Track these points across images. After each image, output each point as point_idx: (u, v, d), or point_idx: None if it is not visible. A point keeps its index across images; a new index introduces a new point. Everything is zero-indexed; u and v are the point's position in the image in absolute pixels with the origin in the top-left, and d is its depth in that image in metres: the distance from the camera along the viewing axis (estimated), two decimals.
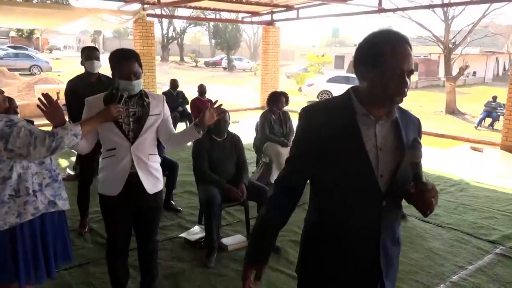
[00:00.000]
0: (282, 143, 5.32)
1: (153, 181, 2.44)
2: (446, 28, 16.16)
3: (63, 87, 12.62)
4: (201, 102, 7.11)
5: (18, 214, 1.98)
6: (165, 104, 2.49)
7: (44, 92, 2.15)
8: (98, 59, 3.79)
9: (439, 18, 16.19)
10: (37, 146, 1.93)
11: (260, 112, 12.32)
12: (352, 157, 1.31)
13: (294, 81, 20.62)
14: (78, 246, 3.52)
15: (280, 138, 5.38)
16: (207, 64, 38.00)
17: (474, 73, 28.69)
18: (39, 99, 2.08)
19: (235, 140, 3.76)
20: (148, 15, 10.14)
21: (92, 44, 50.28)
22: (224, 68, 35.03)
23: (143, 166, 2.38)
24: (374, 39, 1.29)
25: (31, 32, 34.34)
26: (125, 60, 2.27)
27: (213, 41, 42.35)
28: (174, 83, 8.02)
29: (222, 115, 2.50)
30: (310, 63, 19.67)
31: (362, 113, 1.33)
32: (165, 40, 39.97)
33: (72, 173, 5.57)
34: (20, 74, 19.16)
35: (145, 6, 9.97)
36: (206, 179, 3.53)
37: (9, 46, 29.26)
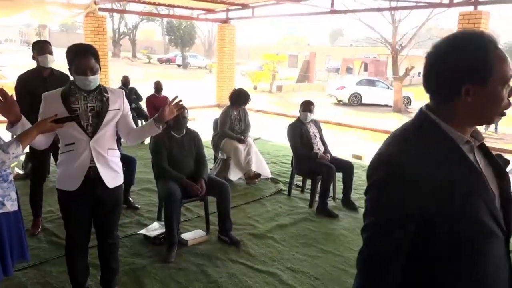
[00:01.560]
0: (240, 139, 5.41)
1: (112, 175, 2.45)
2: (393, 31, 16.99)
3: (5, 82, 12.02)
4: (157, 99, 7.04)
5: None
6: (125, 99, 2.51)
7: None
8: (51, 53, 3.69)
9: (387, 20, 16.99)
10: None
11: (216, 109, 12.50)
12: (479, 200, 1.01)
13: (249, 79, 20.78)
14: (32, 246, 3.40)
15: (237, 135, 5.47)
16: (160, 61, 37.29)
17: (419, 73, 30.26)
18: None
19: (194, 136, 3.80)
20: (100, 9, 9.85)
21: (37, 38, 47.70)
22: (179, 65, 34.57)
23: (102, 161, 2.39)
24: (469, 47, 1.01)
25: None
26: (81, 56, 2.27)
27: (166, 37, 41.61)
28: (125, 80, 7.89)
29: (181, 111, 2.54)
30: (266, 62, 19.94)
31: (463, 141, 1.06)
32: (117, 36, 38.76)
33: (21, 172, 5.35)
34: None
35: (97, 0, 9.69)
36: (166, 175, 3.55)
37: None
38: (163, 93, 7.28)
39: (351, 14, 15.51)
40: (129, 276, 3.05)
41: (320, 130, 4.88)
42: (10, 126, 2.13)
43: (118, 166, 2.50)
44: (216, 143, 5.57)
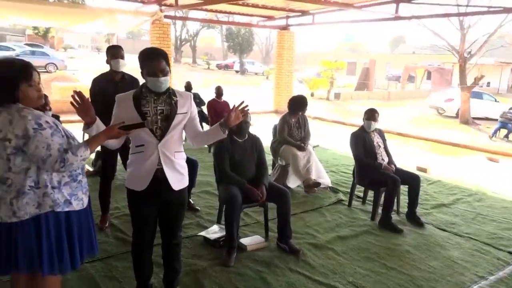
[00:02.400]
0: (299, 146, 5.35)
1: (178, 177, 2.49)
2: (461, 38, 16.04)
3: (79, 85, 12.87)
4: (218, 104, 7.17)
5: (38, 205, 2.02)
6: (193, 103, 2.55)
7: (77, 90, 2.19)
8: (123, 57, 3.86)
9: (454, 27, 16.10)
10: (46, 163, 1.98)
11: (273, 115, 12.52)
12: None
13: (306, 86, 20.63)
14: (99, 240, 3.51)
15: (297, 142, 5.41)
16: (219, 66, 38.19)
17: (488, 83, 28.42)
18: (72, 96, 2.14)
19: (255, 141, 3.80)
20: (165, 16, 10.25)
21: (107, 44, 50.73)
22: (236, 71, 35.20)
23: (169, 163, 2.44)
24: None
25: (47, 30, 34.79)
26: (153, 58, 2.34)
27: (225, 44, 42.56)
28: (188, 85, 8.09)
29: (247, 116, 2.54)
30: (323, 69, 19.71)
31: None
32: (178, 42, 40.28)
33: (91, 169, 5.65)
34: None
35: (162, 7, 10.10)
36: (227, 179, 3.57)
37: (25, 44, 29.67)
38: (223, 98, 7.39)
39: (415, 20, 14.84)
40: (190, 277, 3.09)
41: (384, 140, 4.69)
42: (86, 127, 2.23)
43: (184, 168, 2.54)
44: (274, 149, 5.55)
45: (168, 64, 2.40)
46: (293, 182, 5.32)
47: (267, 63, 46.32)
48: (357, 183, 4.71)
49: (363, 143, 4.48)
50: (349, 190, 5.29)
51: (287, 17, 12.22)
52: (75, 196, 2.16)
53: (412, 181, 4.37)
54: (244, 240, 3.64)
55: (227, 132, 2.49)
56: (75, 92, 2.15)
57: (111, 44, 4.03)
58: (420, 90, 25.92)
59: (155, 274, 2.90)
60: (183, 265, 3.00)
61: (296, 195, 5.14)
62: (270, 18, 12.62)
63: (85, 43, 53.94)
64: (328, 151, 7.89)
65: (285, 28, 12.45)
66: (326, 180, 5.45)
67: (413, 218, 4.36)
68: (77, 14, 9.87)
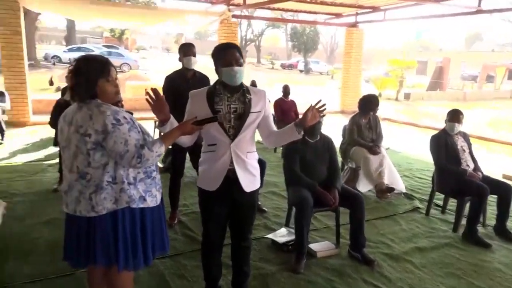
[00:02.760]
0: (371, 148, 5.06)
1: (250, 179, 2.40)
2: None
3: (150, 83, 13.42)
4: (285, 103, 7.04)
5: (115, 201, 2.02)
6: (267, 101, 2.44)
7: (153, 87, 2.17)
8: (195, 55, 3.86)
9: None
10: (123, 159, 1.97)
11: (339, 116, 12.14)
12: None
13: (373, 86, 19.83)
14: (169, 237, 3.58)
15: (369, 143, 5.12)
16: (283, 66, 38.11)
17: None
18: (147, 93, 2.13)
19: (328, 142, 3.61)
20: (233, 16, 10.32)
21: (176, 45, 52.66)
22: (301, 71, 34.90)
23: (241, 163, 2.35)
24: None
25: (122, 32, 36.91)
26: (226, 49, 2.29)
27: (289, 43, 42.40)
28: (253, 84, 7.98)
29: (324, 116, 2.37)
30: (392, 68, 18.82)
31: None
32: (243, 42, 40.82)
33: (161, 165, 5.78)
34: None
35: (230, 7, 10.17)
36: (298, 181, 3.42)
37: (103, 45, 31.70)
38: (290, 97, 7.24)
39: (497, 14, 13.67)
40: (258, 281, 2.98)
41: (469, 144, 4.25)
42: (160, 125, 2.21)
43: (256, 170, 2.45)
44: (344, 151, 5.30)
45: (242, 56, 2.32)
46: (364, 186, 5.04)
47: (332, 62, 45.48)
48: (438, 190, 4.33)
49: (445, 146, 4.10)
50: (425, 197, 4.94)
51: (356, 13, 11.77)
52: (149, 192, 2.15)
53: (503, 191, 3.91)
54: (314, 246, 3.47)
55: (302, 132, 2.35)
56: (150, 89, 2.13)
57: (183, 43, 4.04)
58: (500, 91, 23.88)
59: (223, 276, 2.83)
60: (251, 268, 2.91)
61: (367, 200, 4.80)
62: (337, 15, 12.25)
63: (156, 44, 56.55)
64: (399, 154, 7.44)
65: (353, 25, 12.02)
66: (400, 185, 5.10)
67: (503, 232, 3.91)
68: (150, 16, 10.28)
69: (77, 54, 24.41)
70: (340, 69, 34.70)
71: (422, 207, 4.66)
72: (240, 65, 2.26)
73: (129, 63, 24.66)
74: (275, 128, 2.47)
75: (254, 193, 2.45)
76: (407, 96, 19.30)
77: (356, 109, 5.40)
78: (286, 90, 7.10)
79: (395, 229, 4.08)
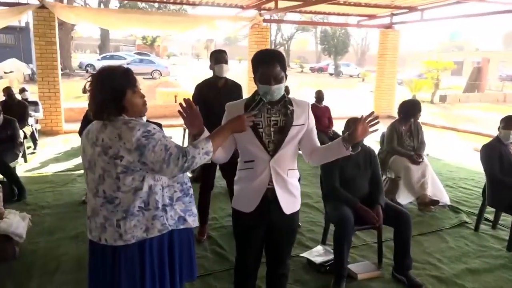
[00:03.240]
0: (412, 157, 4.71)
1: (290, 200, 2.16)
2: None
3: (180, 90, 13.46)
4: (318, 109, 6.75)
5: (146, 229, 1.83)
6: (310, 113, 2.19)
7: (185, 98, 1.97)
8: (227, 62, 3.67)
9: None
10: (170, 164, 1.76)
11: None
12: None
13: (407, 88, 19.15)
14: (197, 255, 3.36)
15: (410, 152, 4.77)
16: (313, 69, 37.64)
17: None
18: (180, 104, 1.93)
19: (370, 154, 3.31)
20: (264, 20, 10.13)
21: (205, 51, 53.23)
22: (330, 74, 34.36)
23: (281, 182, 2.11)
24: None
25: (154, 40, 37.65)
26: (267, 62, 2.03)
27: (319, 46, 41.93)
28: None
29: (376, 130, 2.09)
30: (428, 69, 18.08)
31: None
32: (273, 46, 40.66)
33: (189, 175, 5.63)
34: (143, 78, 20.99)
35: (262, 11, 9.99)
36: (338, 196, 3.15)
37: (135, 53, 32.39)
38: (324, 103, 6.95)
39: None
40: None
41: None
42: (193, 139, 1.99)
43: (297, 189, 2.20)
44: (383, 160, 4.95)
45: (284, 69, 2.06)
46: (404, 198, 4.68)
47: (362, 65, 44.63)
48: (489, 204, 3.94)
49: (498, 157, 3.72)
50: (472, 211, 4.56)
51: (392, 14, 11.33)
52: (189, 212, 1.96)
53: None
54: (353, 267, 3.18)
55: (350, 149, 2.05)
56: (183, 100, 1.93)
57: (214, 49, 3.85)
58: None
59: None
60: None
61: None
62: (371, 16, 11.84)
63: (186, 51, 57.36)
64: (440, 162, 6.98)
65: (389, 26, 11.56)
66: (444, 197, 4.71)
67: None
68: (181, 22, 10.25)
69: (110, 62, 25.01)
70: (371, 71, 34.11)
71: (470, 222, 4.27)
72: (279, 81, 2.02)
73: (160, 70, 25.00)
74: (318, 144, 2.22)
75: (295, 215, 2.21)
76: (442, 99, 18.54)
77: (391, 114, 5.09)
78: (319, 95, 6.82)
79: (442, 247, 3.72)
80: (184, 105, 1.91)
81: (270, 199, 2.10)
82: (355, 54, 49.26)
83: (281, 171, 2.10)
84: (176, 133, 7.97)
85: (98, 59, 26.40)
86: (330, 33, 33.41)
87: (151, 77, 24.04)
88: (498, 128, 3.85)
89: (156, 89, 14.18)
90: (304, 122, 2.12)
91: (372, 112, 2.07)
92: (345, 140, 2.03)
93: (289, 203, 2.14)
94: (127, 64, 24.50)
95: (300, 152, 2.22)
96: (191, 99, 2.11)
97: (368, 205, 3.11)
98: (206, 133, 1.96)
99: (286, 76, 2.07)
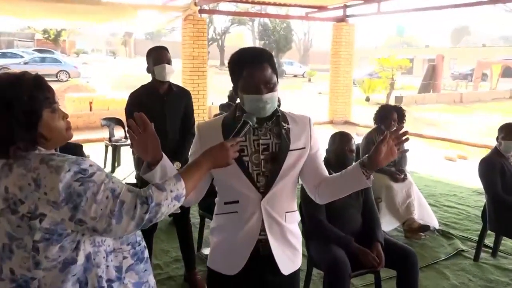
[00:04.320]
0: (393, 174, 4.56)
1: (290, 255, 1.83)
2: None
3: (95, 96, 12.60)
4: None
5: None
6: (313, 131, 1.86)
7: (138, 113, 1.59)
8: (170, 62, 3.24)
9: None
10: (122, 218, 1.35)
11: (329, 127, 11.74)
12: None
13: (359, 89, 19.74)
14: None
15: (390, 168, 4.62)
16: None
17: None
18: (129, 121, 1.59)
19: None
20: (200, 11, 9.76)
21: (123, 47, 51.74)
22: None
23: (277, 231, 1.79)
24: None
25: (58, 34, 35.62)
26: (251, 64, 1.68)
27: (258, 42, 42.28)
28: (233, 95, 7.38)
29: (405, 151, 1.80)
30: (382, 68, 18.75)
31: None
32: None
33: None
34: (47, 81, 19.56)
35: (196, 0, 9.61)
36: (326, 234, 2.84)
37: (34, 50, 30.35)
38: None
39: (501, 5, 13.90)
40: None
41: None
42: (147, 170, 1.61)
43: (298, 239, 1.88)
44: None
45: (276, 73, 1.73)
46: (387, 224, 4.49)
47: (306, 63, 45.72)
48: (491, 228, 3.85)
49: (500, 173, 3.64)
50: (464, 234, 4.55)
51: (345, 6, 11.55)
52: (145, 285, 1.56)
53: None
54: None
55: (371, 178, 1.74)
56: (136, 115, 1.57)
57: (153, 46, 3.38)
58: (497, 91, 24.43)
59: None
60: None
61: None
62: (321, 8, 11.96)
63: (99, 47, 55.18)
64: (414, 175, 6.96)
65: (342, 19, 11.75)
66: (433, 220, 4.61)
67: None
68: (94, 12, 9.55)
69: (1, 61, 23.07)
70: (317, 70, 34.98)
71: (466, 249, 4.19)
72: (272, 89, 1.68)
73: (68, 70, 23.72)
74: (326, 173, 1.89)
75: (295, 276, 1.89)
76: (398, 100, 19.27)
77: (348, 119, 4.94)
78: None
79: (443, 285, 3.55)
80: (136, 122, 1.56)
81: (262, 255, 1.76)
82: (298, 51, 50.41)
83: (276, 215, 1.77)
84: (95, 151, 7.29)
85: None
86: (270, 27, 33.79)
87: (56, 79, 22.59)
88: (497, 139, 3.78)
89: (65, 94, 13.16)
90: (305, 145, 1.80)
91: (401, 126, 1.79)
92: (364, 166, 1.70)
93: (288, 259, 1.82)
94: (25, 63, 22.89)
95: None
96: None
97: (363, 243, 2.84)
98: (165, 160, 1.61)
99: (278, 81, 1.73)
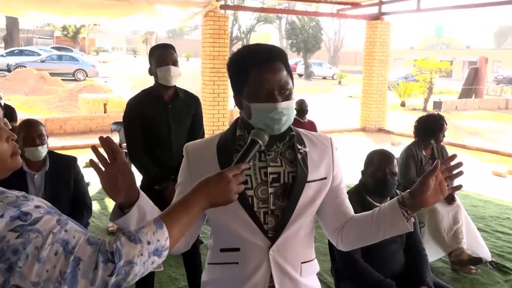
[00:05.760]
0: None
1: None
2: None
3: (112, 96, 12.47)
4: (300, 125, 6.07)
5: None
6: (336, 157, 1.52)
7: (102, 136, 1.25)
8: (175, 63, 2.90)
9: None
10: (77, 283, 1.01)
11: (361, 134, 11.28)
12: None
13: (394, 93, 19.15)
14: None
15: None
16: None
17: None
18: (93, 148, 1.23)
19: None
20: (221, 7, 9.51)
21: (144, 45, 52.31)
22: (300, 75, 34.31)
23: (290, 287, 1.45)
24: None
25: (77, 31, 36.18)
26: (260, 64, 1.35)
27: (285, 41, 42.00)
28: (301, 107, 6.44)
29: (460, 188, 1.42)
30: (419, 70, 18.11)
31: None
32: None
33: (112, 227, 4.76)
34: (63, 80, 19.75)
35: None
36: (361, 276, 2.47)
37: (52, 47, 30.80)
38: (307, 116, 6.30)
39: None
40: None
41: None
42: (118, 213, 1.27)
43: None
44: None
45: (291, 74, 1.41)
46: (431, 254, 4.02)
47: (336, 64, 45.19)
48: None
49: None
50: None
51: (381, 2, 11.17)
52: None
53: None
54: None
55: (413, 219, 1.41)
56: (101, 140, 1.22)
57: (155, 44, 3.07)
58: None
59: None
60: None
61: (439, 276, 3.87)
62: (354, 4, 11.57)
63: (119, 45, 55.90)
64: (459, 194, 6.49)
65: (377, 17, 11.34)
66: (484, 251, 4.15)
67: None
68: (112, 7, 9.42)
69: (18, 59, 23.44)
70: (348, 72, 34.45)
71: None
72: (289, 96, 1.37)
73: (85, 69, 24.00)
74: (352, 211, 1.55)
75: None
76: (437, 106, 18.64)
77: (383, 127, 4.54)
78: (301, 106, 6.15)
79: None
80: (104, 148, 1.22)
81: None
82: (328, 52, 49.89)
83: (289, 268, 1.46)
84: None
85: (3, 55, 24.75)
86: (299, 25, 33.40)
87: (73, 78, 22.83)
88: None
89: (79, 94, 13.12)
90: (327, 174, 1.48)
91: (454, 156, 1.41)
92: (405, 205, 1.36)
93: None
94: (42, 61, 23.16)
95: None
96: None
97: (406, 286, 2.48)
98: (143, 199, 1.28)
99: (293, 84, 1.43)
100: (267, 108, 1.33)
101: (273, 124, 1.34)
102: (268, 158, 1.42)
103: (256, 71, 1.34)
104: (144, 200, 1.27)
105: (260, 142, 1.30)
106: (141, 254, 1.07)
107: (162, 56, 2.87)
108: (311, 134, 1.52)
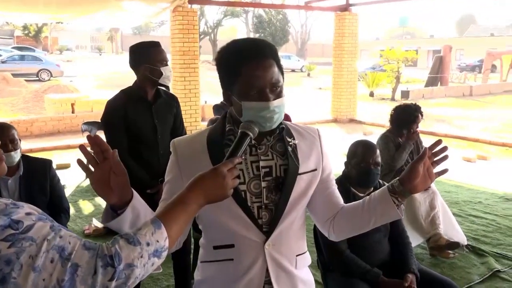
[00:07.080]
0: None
1: None
2: None
3: (79, 96, 12.19)
4: None
5: None
6: (324, 147, 1.54)
7: (90, 135, 1.20)
8: (163, 62, 2.78)
9: None
10: (75, 282, 0.98)
11: (333, 125, 11.38)
12: None
13: (363, 83, 19.38)
14: None
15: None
16: None
17: None
18: (81, 147, 1.19)
19: None
20: (190, 1, 9.38)
21: (109, 43, 51.39)
22: None
23: (286, 282, 1.46)
24: None
25: (39, 30, 35.17)
26: (251, 60, 1.33)
27: (252, 35, 41.95)
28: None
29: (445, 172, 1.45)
30: (386, 61, 18.37)
31: None
32: None
33: (100, 225, 4.67)
34: (26, 81, 19.19)
35: None
36: (348, 267, 2.47)
37: (13, 47, 29.88)
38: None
39: None
40: None
41: None
42: (112, 215, 1.23)
43: (310, 286, 1.56)
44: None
45: (282, 72, 1.39)
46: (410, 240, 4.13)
47: (303, 57, 45.41)
48: None
49: None
50: (497, 250, 4.22)
51: None
52: None
53: None
54: None
55: (403, 207, 1.43)
56: (89, 139, 1.17)
57: (142, 41, 2.91)
58: (508, 83, 24.19)
59: None
60: None
61: (418, 261, 3.94)
62: None
63: (84, 43, 54.68)
64: None
65: (345, 9, 11.39)
66: (460, 235, 4.23)
67: None
68: (75, 4, 9.16)
69: None
70: (316, 64, 34.67)
71: (502, 268, 3.83)
72: (280, 93, 1.35)
73: (50, 69, 23.43)
74: (341, 200, 1.56)
75: None
76: (405, 95, 18.97)
77: (354, 117, 4.55)
78: None
79: None
80: (90, 148, 1.19)
81: None
82: (295, 44, 50.09)
83: (285, 261, 1.45)
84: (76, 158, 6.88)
85: None
86: (266, 18, 33.43)
87: (37, 78, 22.19)
88: None
89: (45, 95, 12.78)
90: (317, 166, 1.48)
91: (439, 141, 1.45)
92: (395, 193, 1.38)
93: None
94: (2, 62, 22.45)
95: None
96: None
97: (393, 275, 2.48)
98: (136, 200, 1.24)
99: (283, 81, 1.41)
100: (258, 107, 1.31)
101: (265, 122, 1.33)
102: (259, 152, 1.41)
103: (247, 69, 1.31)
104: (138, 200, 1.23)
105: (251, 134, 1.29)
106: (141, 256, 1.04)
107: (159, 55, 2.75)
108: (299, 127, 1.52)
